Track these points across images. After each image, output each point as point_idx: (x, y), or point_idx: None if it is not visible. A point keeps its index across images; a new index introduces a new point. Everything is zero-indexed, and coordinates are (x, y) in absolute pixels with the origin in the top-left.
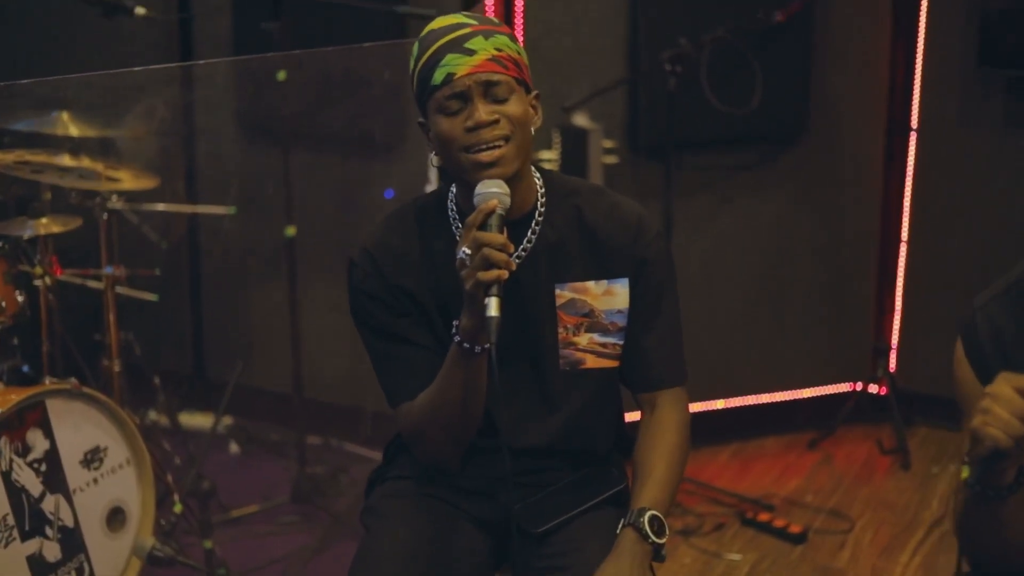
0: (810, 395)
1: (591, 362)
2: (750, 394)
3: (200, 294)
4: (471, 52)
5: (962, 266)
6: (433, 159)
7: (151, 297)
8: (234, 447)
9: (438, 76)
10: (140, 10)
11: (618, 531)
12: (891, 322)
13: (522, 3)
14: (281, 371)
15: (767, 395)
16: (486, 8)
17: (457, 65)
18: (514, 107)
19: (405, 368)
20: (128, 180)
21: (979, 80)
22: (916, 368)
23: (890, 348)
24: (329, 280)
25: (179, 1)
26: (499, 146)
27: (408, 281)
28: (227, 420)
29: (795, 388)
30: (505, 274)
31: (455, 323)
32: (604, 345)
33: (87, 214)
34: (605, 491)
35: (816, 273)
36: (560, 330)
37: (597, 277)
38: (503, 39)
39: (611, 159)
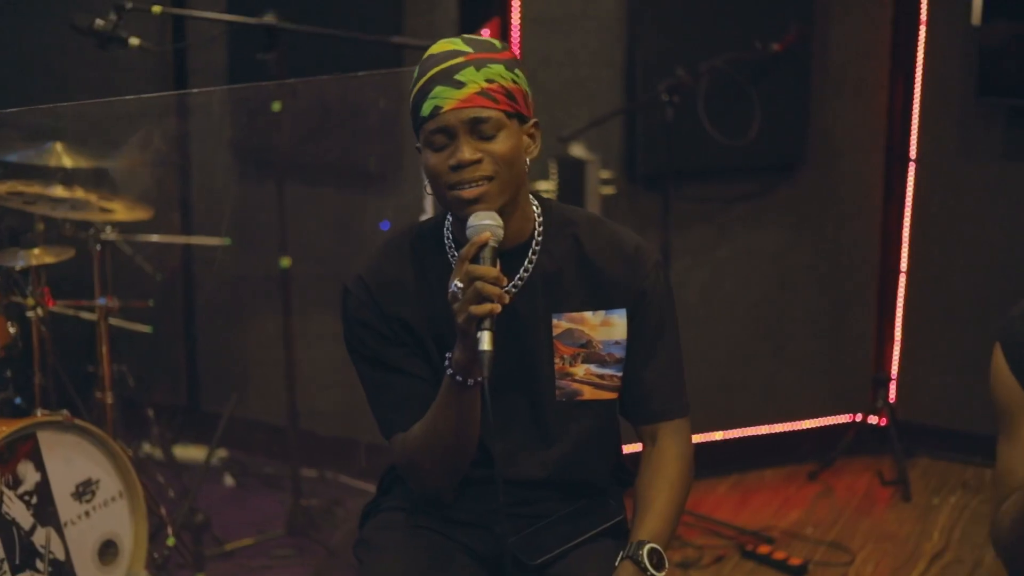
0: (810, 426)
1: (588, 393)
2: (749, 425)
3: (194, 326)
4: (460, 85)
5: (962, 297)
6: (426, 186)
7: (145, 329)
8: (228, 479)
9: (426, 108)
10: (135, 41)
11: (616, 563)
12: (891, 353)
13: (519, 34)
14: (276, 403)
15: (766, 426)
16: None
17: (445, 99)
18: (500, 145)
19: (399, 399)
20: (122, 211)
21: (978, 110)
22: (916, 399)
23: (890, 379)
24: (324, 311)
25: (174, 32)
26: (480, 184)
27: (403, 310)
28: (221, 452)
29: (794, 419)
30: (498, 308)
31: (448, 356)
32: (602, 376)
33: (80, 245)
34: (603, 523)
35: (815, 303)
36: (556, 360)
37: (595, 307)
38: (497, 69)
39: (609, 190)
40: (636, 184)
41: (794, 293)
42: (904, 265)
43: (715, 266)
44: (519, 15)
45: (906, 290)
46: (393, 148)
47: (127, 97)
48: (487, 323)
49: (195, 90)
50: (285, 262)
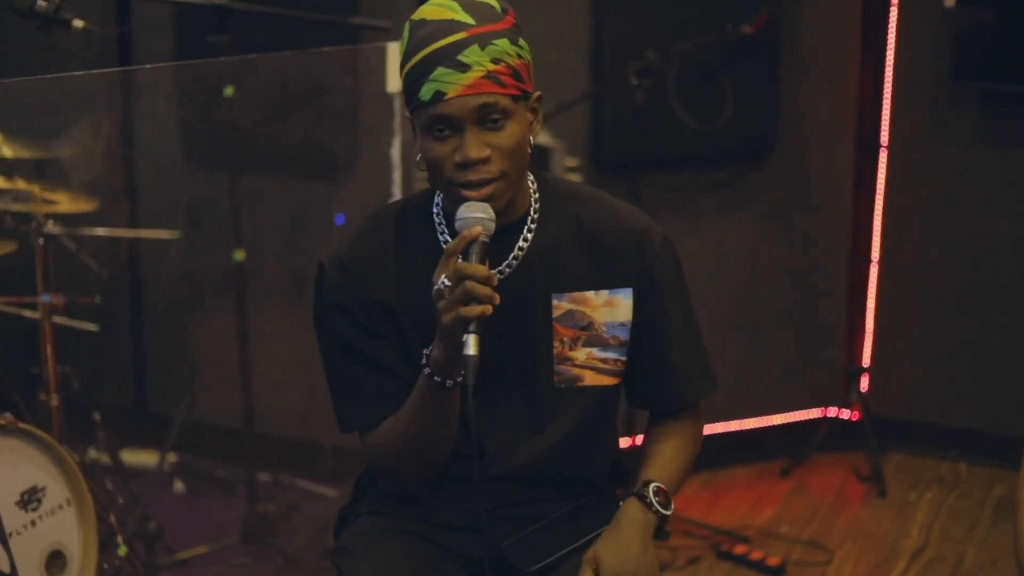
0: (781, 421)
1: (589, 379)
2: (719, 421)
3: (143, 324)
4: (464, 67)
5: (935, 287)
6: (420, 163)
7: (91, 327)
8: (180, 485)
9: (426, 92)
10: (78, 23)
11: (621, 502)
12: (863, 345)
13: None
14: (229, 404)
15: (736, 422)
16: None
17: (448, 84)
18: (508, 137)
19: (367, 394)
20: (65, 203)
21: (951, 94)
22: (889, 392)
23: (863, 372)
24: (280, 307)
25: (119, 14)
26: (488, 184)
27: (384, 295)
28: (172, 457)
29: (765, 414)
30: (489, 310)
31: (425, 352)
32: (604, 360)
33: (22, 239)
34: (602, 525)
35: (786, 296)
36: (556, 344)
37: (598, 287)
38: (502, 44)
39: (574, 178)
40: (603, 172)
41: (764, 285)
42: (876, 255)
43: (683, 257)
44: None
45: (878, 281)
46: (354, 133)
47: (69, 74)
48: (474, 326)
49: (138, 67)
50: (239, 255)
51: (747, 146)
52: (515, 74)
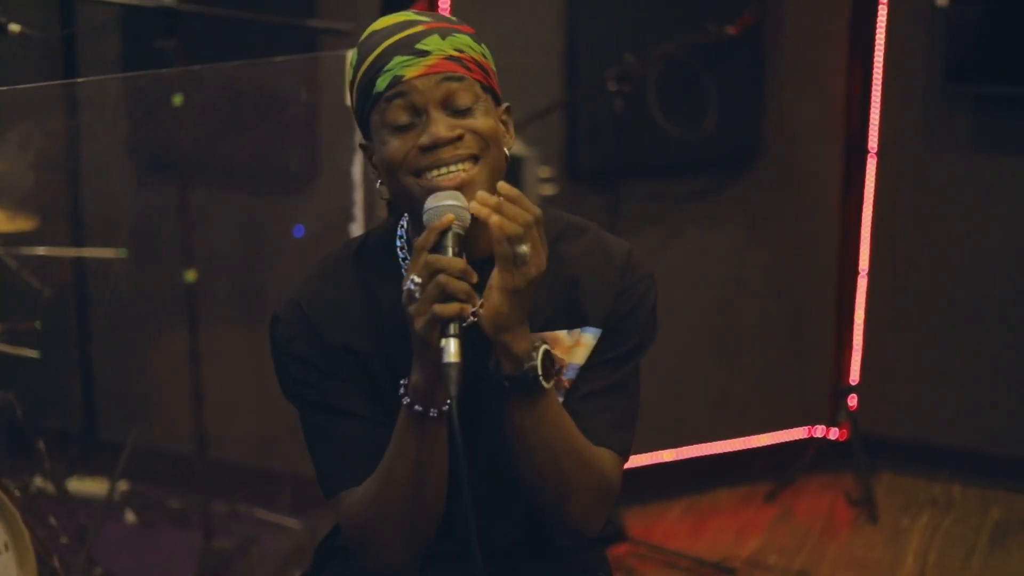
0: (766, 442)
1: None
2: (701, 442)
3: (89, 347)
4: (424, 53)
5: (927, 299)
6: (381, 190)
7: (32, 353)
8: (131, 516)
9: (382, 82)
10: (15, 27)
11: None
12: (852, 361)
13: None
14: (182, 429)
15: (719, 443)
16: None
17: (407, 67)
18: (482, 120)
19: (345, 448)
20: (2, 221)
21: (944, 98)
22: (879, 410)
23: (851, 389)
24: (234, 328)
25: (62, 18)
26: (463, 168)
27: (349, 339)
28: (122, 486)
29: (749, 435)
30: (468, 308)
31: (403, 382)
32: None
33: None
34: None
35: (771, 309)
36: None
37: (571, 325)
38: (464, 39)
39: (548, 189)
40: (578, 182)
41: (748, 298)
42: (864, 266)
43: (664, 270)
44: None
45: (867, 293)
46: (311, 145)
47: (6, 88)
48: (453, 328)
49: (83, 79)
50: (190, 276)
51: (730, 153)
52: (480, 66)
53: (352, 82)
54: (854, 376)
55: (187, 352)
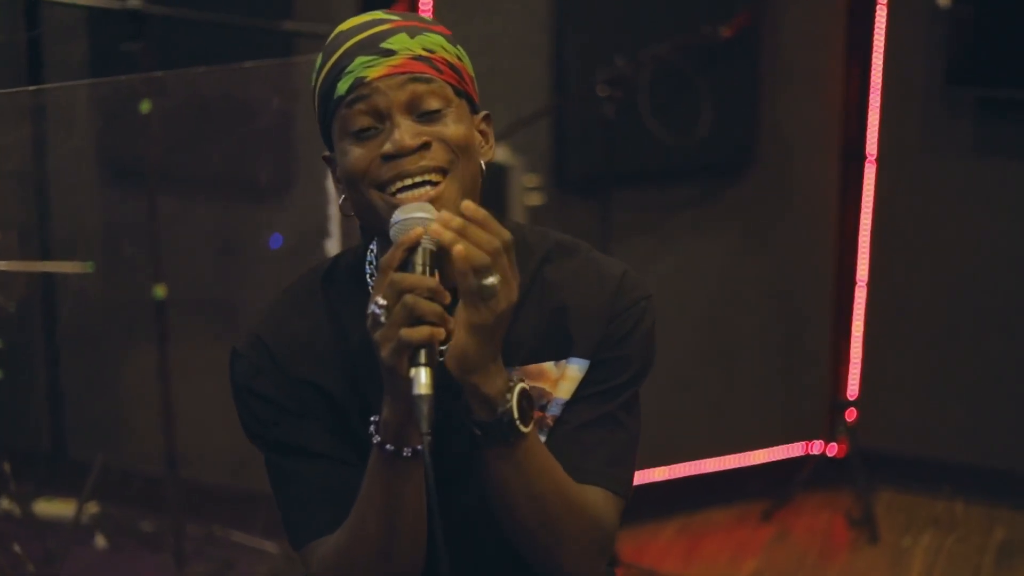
0: (761, 460)
1: None
2: (694, 460)
3: (56, 364)
4: (389, 52)
5: (928, 309)
6: (344, 206)
7: None
8: (101, 541)
9: (343, 85)
10: None
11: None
12: (850, 374)
13: (431, 17)
14: (153, 449)
15: (713, 460)
16: None
17: (369, 68)
18: (453, 127)
19: (313, 493)
20: None
21: (945, 101)
22: (877, 425)
23: (849, 403)
24: (206, 343)
25: (27, 19)
26: (432, 182)
27: (315, 374)
28: (92, 508)
29: (744, 451)
30: (441, 333)
31: (373, 419)
32: None
33: None
34: None
35: (766, 321)
36: None
37: (557, 356)
38: (436, 38)
39: (535, 199)
40: (566, 191)
41: (742, 310)
42: (863, 276)
43: (656, 282)
44: None
45: (866, 304)
46: (285, 154)
47: None
48: (424, 356)
49: (45, 86)
50: (160, 292)
51: (724, 159)
52: (454, 68)
53: (314, 86)
54: (852, 390)
55: (157, 367)
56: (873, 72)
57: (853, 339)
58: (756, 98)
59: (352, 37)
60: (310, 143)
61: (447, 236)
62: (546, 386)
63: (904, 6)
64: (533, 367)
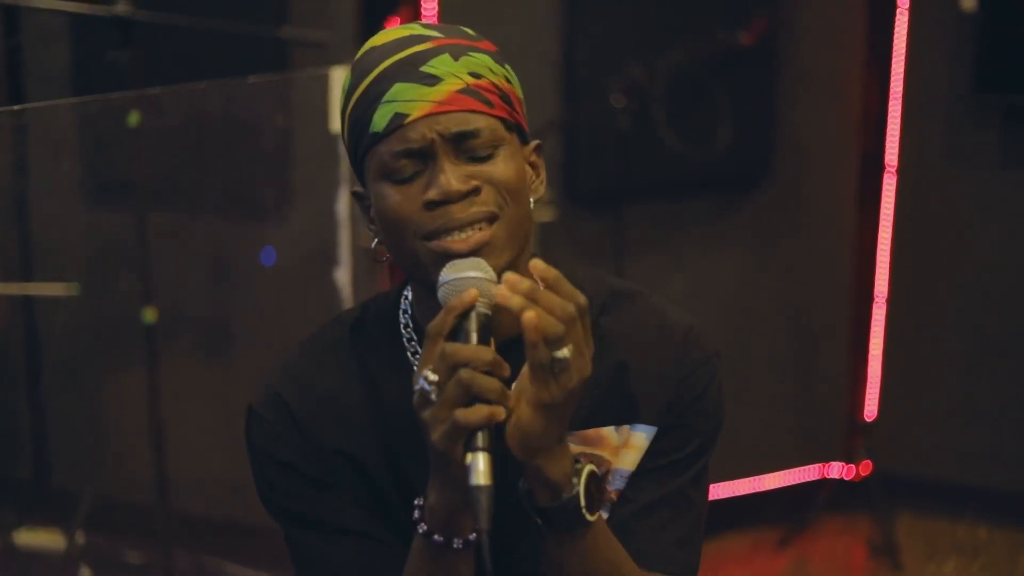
0: (778, 484)
1: None
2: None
3: (40, 388)
4: (433, 80)
5: (950, 327)
6: (378, 248)
7: None
8: (86, 572)
9: (380, 119)
10: None
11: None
12: (869, 393)
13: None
14: (142, 476)
15: (727, 484)
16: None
17: (411, 102)
18: (503, 167)
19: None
20: None
21: (970, 109)
22: (897, 447)
23: (868, 424)
24: (197, 367)
25: (7, 25)
26: (479, 228)
27: (345, 441)
28: (78, 538)
29: (760, 474)
30: (501, 413)
31: (418, 503)
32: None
33: None
34: None
35: (781, 340)
36: None
37: (619, 421)
38: (483, 58)
39: (545, 214)
40: (578, 205)
41: (757, 327)
42: (882, 291)
43: (669, 298)
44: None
45: (885, 321)
46: (282, 169)
47: None
48: (482, 439)
49: (28, 105)
50: (149, 315)
51: (739, 171)
52: (504, 95)
53: (344, 110)
54: (871, 410)
55: (146, 392)
56: (893, 79)
57: (871, 357)
58: (773, 107)
59: (388, 56)
60: (310, 161)
61: (516, 302)
62: (605, 453)
63: (927, 11)
64: (591, 432)
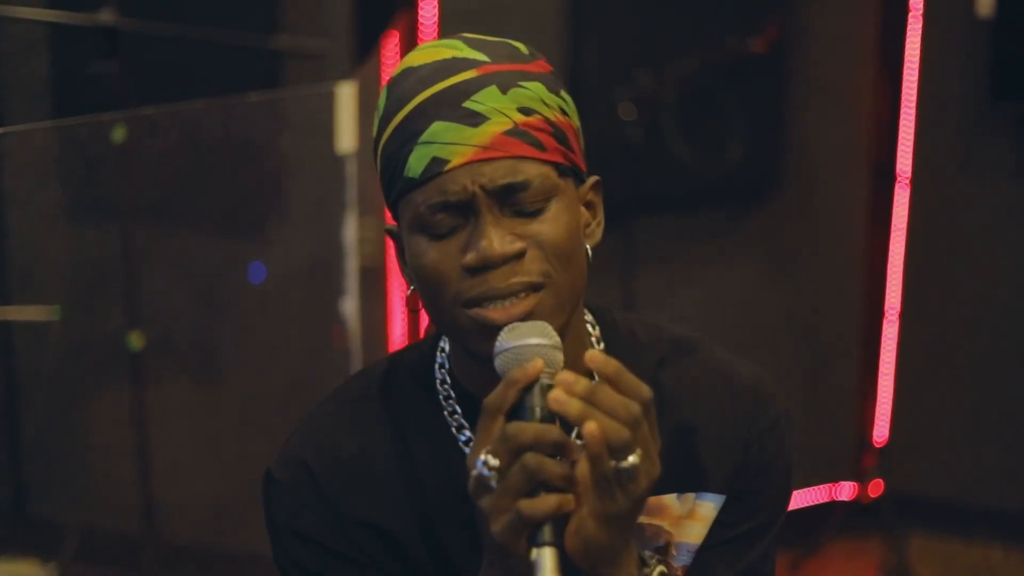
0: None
1: None
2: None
3: (19, 414)
4: (477, 119)
5: (964, 343)
6: (411, 298)
7: None
8: None
9: (416, 163)
10: None
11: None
12: (880, 412)
13: (436, 32)
14: (127, 503)
15: None
16: (383, 46)
17: (452, 145)
18: (553, 226)
19: None
20: None
21: (985, 118)
22: (911, 467)
23: (880, 444)
24: (185, 391)
25: None
26: (523, 298)
27: (375, 512)
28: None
29: None
30: (571, 502)
31: None
32: None
33: None
34: None
35: (791, 356)
36: None
37: (682, 488)
38: (535, 88)
39: None
40: None
41: (765, 344)
42: (895, 307)
43: (677, 314)
44: (436, 7)
45: (898, 336)
46: (281, 190)
47: None
48: (548, 533)
49: (11, 128)
50: (135, 341)
51: (749, 183)
52: (558, 134)
53: (376, 141)
54: (883, 429)
55: (131, 417)
56: (905, 87)
57: (884, 375)
58: (784, 117)
59: (428, 86)
60: (311, 181)
61: (574, 408)
62: (665, 524)
63: (942, 17)
64: (652, 500)
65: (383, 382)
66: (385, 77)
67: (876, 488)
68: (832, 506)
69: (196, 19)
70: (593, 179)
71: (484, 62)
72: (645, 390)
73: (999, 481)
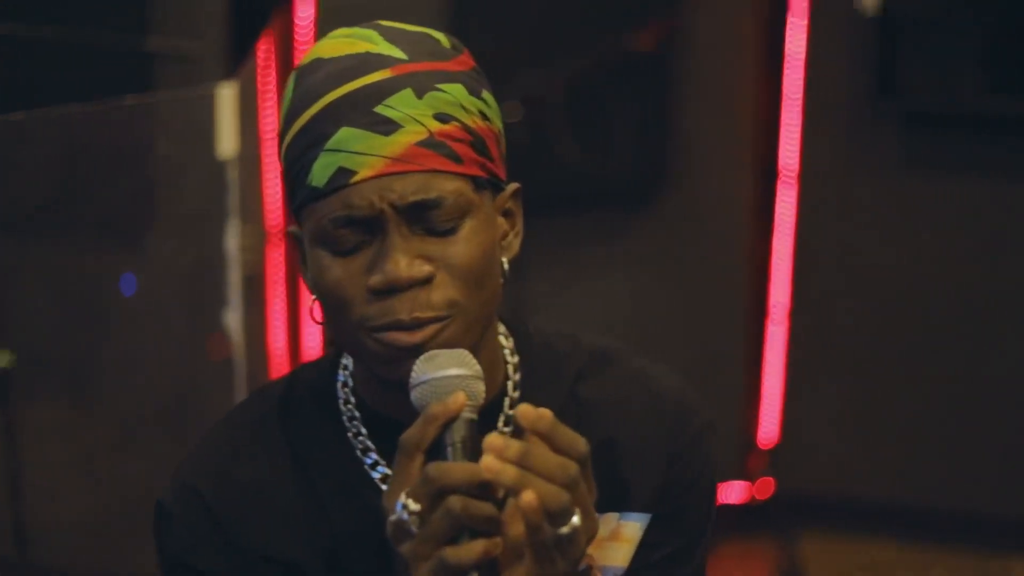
0: None
1: None
2: (600, 512)
3: None
4: (389, 127)
5: (853, 340)
6: (313, 309)
7: None
8: None
9: (321, 171)
10: None
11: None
12: (768, 412)
13: (314, 31)
14: None
15: None
16: (259, 47)
17: (360, 155)
18: (465, 248)
19: None
20: None
21: (871, 115)
22: (802, 466)
23: (768, 443)
24: (59, 409)
25: None
26: (429, 324)
27: (273, 541)
28: None
29: None
30: (499, 545)
31: None
32: None
33: None
34: None
35: (679, 358)
36: None
37: (602, 508)
38: (455, 92)
39: None
40: None
41: (653, 346)
42: (779, 305)
43: (564, 315)
44: (313, 6)
45: (787, 335)
46: (140, 186)
47: None
48: None
49: None
50: (4, 360)
51: (636, 183)
52: (477, 142)
53: (282, 135)
54: (771, 430)
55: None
56: (786, 83)
57: (772, 373)
58: (670, 116)
59: (338, 84)
60: (191, 188)
61: (509, 476)
62: (591, 548)
63: (826, 15)
64: None
65: (281, 403)
66: (262, 79)
67: (766, 488)
68: (726, 509)
69: (64, 20)
70: (513, 187)
71: (400, 60)
72: (581, 443)
73: (891, 478)
